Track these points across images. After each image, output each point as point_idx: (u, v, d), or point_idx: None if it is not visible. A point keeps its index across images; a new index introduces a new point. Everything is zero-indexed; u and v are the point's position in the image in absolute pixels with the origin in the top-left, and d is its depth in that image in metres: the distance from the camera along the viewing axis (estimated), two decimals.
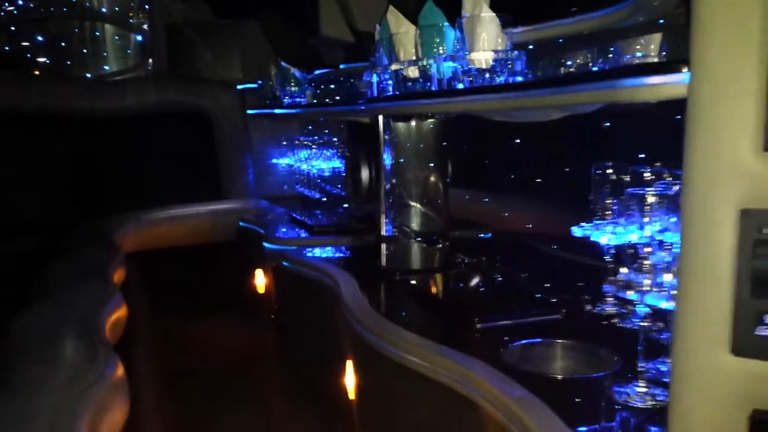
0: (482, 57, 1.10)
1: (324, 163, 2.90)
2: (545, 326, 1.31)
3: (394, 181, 2.17)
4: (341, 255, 2.16)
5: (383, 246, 2.12)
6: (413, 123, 1.94)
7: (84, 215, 2.72)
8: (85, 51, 3.39)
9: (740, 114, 0.65)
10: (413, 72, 1.29)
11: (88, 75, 3.43)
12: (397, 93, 1.40)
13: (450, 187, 2.05)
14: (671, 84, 0.70)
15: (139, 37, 3.48)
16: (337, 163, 2.52)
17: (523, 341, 1.19)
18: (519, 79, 1.15)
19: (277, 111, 2.45)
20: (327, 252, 2.19)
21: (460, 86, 1.17)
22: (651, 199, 0.85)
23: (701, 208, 0.68)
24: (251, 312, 2.36)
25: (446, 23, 1.24)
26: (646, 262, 0.83)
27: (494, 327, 1.31)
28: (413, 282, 1.72)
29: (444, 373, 1.14)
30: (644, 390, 0.90)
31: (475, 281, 1.71)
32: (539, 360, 1.16)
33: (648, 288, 0.80)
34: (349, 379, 1.50)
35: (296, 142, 3.12)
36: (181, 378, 2.03)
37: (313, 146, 2.91)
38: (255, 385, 2.04)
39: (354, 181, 2.23)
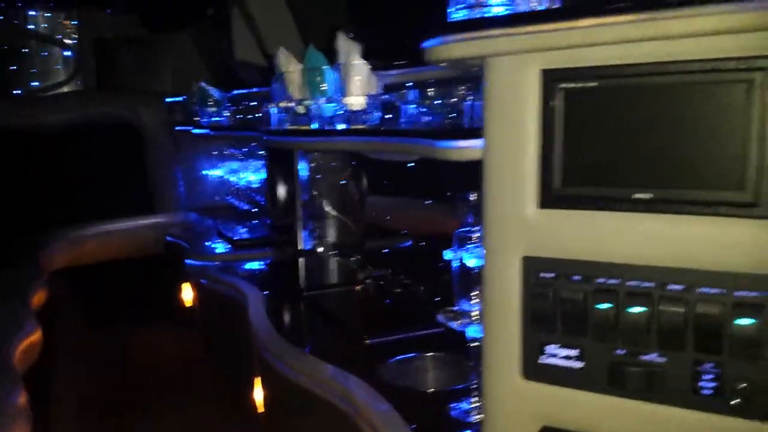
0: (354, 101, 1.21)
1: (252, 174, 2.98)
2: (429, 340, 1.42)
3: (310, 194, 2.25)
4: (259, 269, 2.24)
5: (300, 261, 2.21)
6: None
7: (9, 233, 2.75)
8: (13, 67, 3.40)
9: (521, 176, 0.76)
10: (302, 109, 1.38)
11: (17, 91, 3.44)
12: (287, 127, 1.49)
13: (371, 194, 2.12)
14: (472, 148, 0.81)
15: (68, 52, 3.50)
16: (265, 174, 2.59)
17: (399, 357, 1.30)
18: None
19: (194, 131, 2.52)
20: (250, 265, 2.27)
21: (340, 126, 1.28)
22: None
23: (495, 254, 0.79)
24: (179, 327, 2.43)
25: (327, 66, 1.34)
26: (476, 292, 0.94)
27: (382, 343, 1.42)
28: (319, 299, 1.81)
29: (328, 391, 1.24)
30: (476, 405, 1.02)
31: (376, 296, 1.81)
32: (414, 374, 1.27)
33: (476, 318, 0.92)
34: (259, 395, 1.60)
35: (225, 153, 3.19)
36: (105, 393, 2.09)
37: (241, 157, 2.98)
38: (180, 400, 2.11)
39: (272, 196, 2.31)
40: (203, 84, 2.40)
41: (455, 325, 0.90)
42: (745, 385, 0.66)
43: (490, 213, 0.79)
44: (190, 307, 2.32)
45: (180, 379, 2.22)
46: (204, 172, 3.40)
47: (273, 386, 1.44)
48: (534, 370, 0.78)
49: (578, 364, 0.75)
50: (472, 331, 0.91)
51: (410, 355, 1.31)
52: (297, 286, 1.88)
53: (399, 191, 2.36)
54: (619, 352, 0.72)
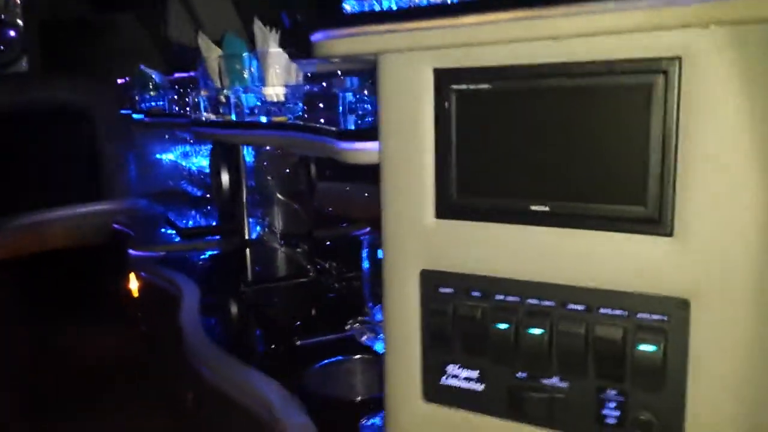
0: (273, 91, 1.14)
1: (204, 159, 2.89)
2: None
3: (257, 180, 2.17)
4: (205, 260, 2.16)
5: (245, 252, 2.14)
6: None
7: None
8: None
9: (419, 183, 0.70)
10: (223, 98, 1.31)
11: None
12: (206, 117, 1.41)
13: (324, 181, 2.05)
14: (370, 151, 0.75)
15: (12, 33, 3.35)
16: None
17: (328, 360, 1.24)
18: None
19: (134, 116, 2.42)
20: (197, 256, 2.20)
21: (263, 119, 1.20)
22: None
23: (394, 266, 0.73)
24: (119, 323, 2.36)
25: (248, 54, 1.26)
26: None
27: (313, 344, 1.36)
28: (257, 294, 1.75)
29: (247, 397, 1.18)
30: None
31: (318, 291, 1.75)
32: (342, 379, 1.22)
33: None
34: (186, 397, 1.54)
35: (178, 136, 3.09)
36: (34, 394, 2.02)
37: (192, 141, 2.88)
38: (111, 400, 2.05)
39: (216, 182, 2.23)
40: (143, 67, 2.30)
41: (363, 339, 0.85)
42: (647, 416, 0.61)
43: (389, 222, 0.73)
44: (131, 301, 2.24)
45: (114, 379, 2.15)
46: (157, 157, 3.30)
47: (196, 390, 1.38)
48: (435, 392, 0.73)
49: (479, 387, 0.70)
50: (379, 347, 0.85)
51: (338, 358, 1.25)
52: (237, 279, 1.81)
53: (350, 177, 2.29)
54: (519, 375, 0.67)
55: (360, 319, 0.86)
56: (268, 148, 2.16)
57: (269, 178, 2.18)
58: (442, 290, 0.70)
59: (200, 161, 2.96)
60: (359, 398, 1.11)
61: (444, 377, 0.72)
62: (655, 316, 0.59)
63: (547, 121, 0.62)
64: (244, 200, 2.18)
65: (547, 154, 0.62)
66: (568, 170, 0.62)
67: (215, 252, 2.23)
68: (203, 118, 1.40)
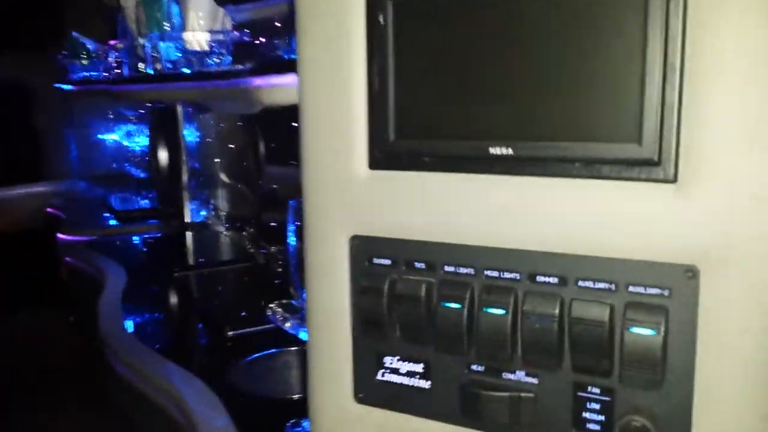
0: (194, 38, 0.97)
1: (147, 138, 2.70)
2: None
3: (199, 162, 2.01)
4: (142, 245, 1.99)
5: (185, 235, 1.97)
6: None
7: None
8: None
9: (346, 124, 0.54)
10: (140, 51, 1.13)
11: None
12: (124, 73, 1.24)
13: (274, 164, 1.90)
14: (287, 86, 0.59)
15: None
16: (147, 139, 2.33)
17: (257, 354, 1.08)
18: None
19: (63, 87, 2.22)
20: (133, 240, 2.02)
21: (186, 70, 1.03)
22: None
23: (316, 232, 0.58)
24: (51, 310, 2.16)
25: None
26: None
27: (247, 335, 1.20)
28: (191, 281, 1.58)
29: (163, 397, 1.01)
30: None
31: (260, 277, 1.59)
32: (276, 374, 1.06)
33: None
34: (105, 394, 1.36)
35: (122, 114, 2.89)
36: None
37: (134, 120, 2.69)
38: (42, 390, 1.86)
39: (155, 162, 2.06)
40: (75, 34, 2.10)
41: (287, 325, 0.69)
42: (641, 420, 0.46)
43: (310, 177, 0.57)
44: (60, 290, 2.05)
45: (45, 372, 1.96)
46: (100, 137, 3.09)
47: (113, 386, 1.21)
48: (369, 391, 0.57)
49: (424, 384, 0.55)
50: (304, 335, 0.70)
51: (272, 350, 1.09)
52: (171, 265, 1.63)
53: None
54: (475, 368, 0.52)
55: (283, 302, 0.70)
56: (211, 122, 2.00)
57: (214, 159, 2.02)
58: (377, 261, 0.55)
59: (144, 141, 2.77)
60: (295, 396, 0.95)
61: (380, 372, 0.56)
62: (653, 290, 0.45)
63: (512, 35, 0.46)
64: (184, 181, 2.01)
65: (512, 79, 0.47)
66: (538, 100, 0.47)
67: (154, 236, 2.05)
68: (124, 73, 1.22)
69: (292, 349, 1.08)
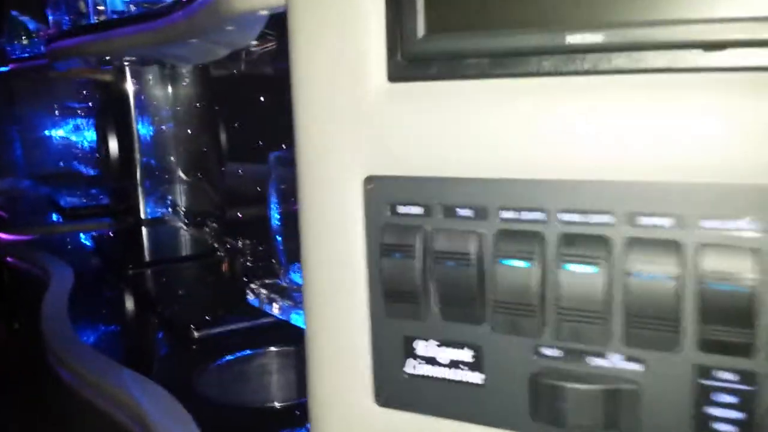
0: None
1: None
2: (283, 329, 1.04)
3: (152, 150, 1.83)
4: (90, 243, 1.80)
5: (141, 231, 1.79)
6: (167, 77, 1.63)
7: None
8: None
9: (354, 22, 0.39)
10: (82, 6, 0.96)
11: None
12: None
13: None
14: None
15: None
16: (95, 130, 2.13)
17: (228, 357, 0.92)
18: None
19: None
20: (83, 239, 1.84)
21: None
22: None
23: (317, 175, 0.42)
24: None
25: None
26: None
27: (216, 336, 1.04)
28: (148, 278, 1.40)
29: (118, 409, 0.84)
30: None
31: (226, 273, 1.42)
32: (252, 379, 0.90)
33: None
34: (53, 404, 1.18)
35: (67, 109, 2.68)
36: None
37: (81, 113, 2.49)
38: None
39: (105, 154, 1.87)
40: (15, 13, 1.90)
41: (272, 309, 0.53)
42: None
43: (305, 97, 0.42)
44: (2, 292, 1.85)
45: None
46: (47, 133, 2.87)
47: (58, 396, 1.03)
48: (395, 390, 0.42)
49: (474, 377, 0.39)
50: (299, 320, 0.54)
51: (246, 352, 0.93)
52: (126, 263, 1.46)
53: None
54: (549, 352, 0.37)
55: (266, 282, 0.54)
56: (169, 111, 1.83)
57: (171, 148, 1.85)
58: (404, 210, 0.39)
59: (93, 135, 2.57)
60: (274, 405, 0.80)
61: (410, 364, 0.41)
62: None
63: None
64: (137, 172, 1.84)
65: None
66: None
67: (107, 234, 1.87)
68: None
69: (271, 349, 0.92)
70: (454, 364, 0.40)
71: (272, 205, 0.57)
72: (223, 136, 1.84)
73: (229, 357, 0.92)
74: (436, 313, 0.39)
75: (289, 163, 0.49)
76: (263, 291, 0.56)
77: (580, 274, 0.34)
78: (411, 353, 0.41)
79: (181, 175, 1.88)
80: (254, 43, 1.08)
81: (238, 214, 1.80)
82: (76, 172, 2.72)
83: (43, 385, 1.10)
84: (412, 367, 0.41)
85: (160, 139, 1.86)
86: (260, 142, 1.74)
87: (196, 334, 1.01)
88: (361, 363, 0.42)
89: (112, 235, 1.87)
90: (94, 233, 1.87)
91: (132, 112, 1.80)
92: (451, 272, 0.37)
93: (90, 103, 2.51)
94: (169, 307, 1.20)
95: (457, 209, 0.38)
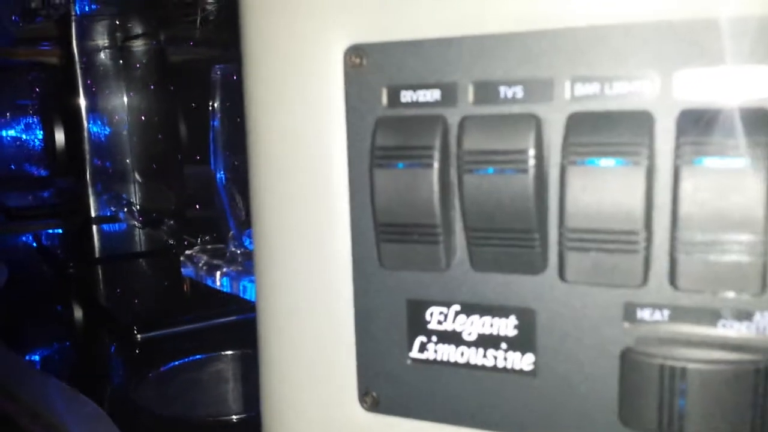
0: None
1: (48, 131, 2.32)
2: (244, 328, 0.88)
3: (104, 143, 1.68)
4: (31, 243, 1.63)
5: (93, 230, 1.64)
6: (120, 60, 1.49)
7: None
8: None
9: None
10: None
11: None
12: None
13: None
14: None
15: None
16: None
17: (176, 362, 0.76)
18: None
19: None
20: (23, 239, 1.67)
21: None
22: None
23: (276, 52, 0.27)
24: None
25: None
26: None
27: (164, 337, 0.87)
28: (93, 275, 1.24)
29: (33, 421, 0.68)
30: None
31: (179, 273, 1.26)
32: (201, 387, 0.74)
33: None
34: None
35: (17, 107, 2.50)
36: None
37: (32, 111, 2.32)
38: None
39: (51, 149, 1.71)
40: None
41: (214, 278, 0.38)
42: None
43: None
44: None
45: None
46: None
47: None
48: (393, 387, 0.27)
49: (521, 362, 0.24)
50: (252, 290, 0.39)
51: (197, 357, 0.77)
52: (58, 260, 1.29)
53: None
54: (652, 315, 0.22)
55: (208, 247, 0.39)
56: (121, 94, 1.69)
57: (126, 148, 1.70)
58: (412, 97, 0.25)
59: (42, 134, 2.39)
60: (234, 418, 0.64)
61: (419, 342, 0.26)
62: None
63: None
64: (87, 170, 1.68)
65: None
66: None
67: (55, 234, 1.70)
68: None
69: (228, 353, 0.77)
70: (487, 342, 0.25)
71: (216, 148, 0.42)
72: (182, 128, 1.69)
73: (175, 363, 0.75)
74: (462, 259, 0.25)
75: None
76: (203, 256, 0.41)
77: (724, 172, 0.20)
78: (419, 327, 0.26)
79: (136, 170, 1.73)
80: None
81: (201, 215, 1.64)
82: (27, 174, 2.53)
83: None
84: (421, 348, 0.26)
85: (113, 131, 1.71)
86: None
87: (139, 336, 0.85)
88: (340, 346, 0.27)
89: (60, 235, 1.70)
90: (41, 234, 1.71)
91: (80, 98, 1.65)
92: (494, 185, 0.23)
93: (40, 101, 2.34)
94: (113, 307, 1.04)
95: (501, 88, 0.23)
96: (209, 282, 0.41)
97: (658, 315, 0.22)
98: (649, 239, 0.21)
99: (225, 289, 0.40)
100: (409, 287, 0.26)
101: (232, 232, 0.43)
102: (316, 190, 0.26)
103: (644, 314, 0.22)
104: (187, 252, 0.43)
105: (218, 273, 0.40)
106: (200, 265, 0.41)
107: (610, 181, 0.21)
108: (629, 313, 0.22)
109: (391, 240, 0.25)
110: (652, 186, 0.21)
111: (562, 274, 0.23)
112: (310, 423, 0.28)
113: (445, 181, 0.24)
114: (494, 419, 0.25)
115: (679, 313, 0.22)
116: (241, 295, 0.41)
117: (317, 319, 0.27)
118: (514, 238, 0.23)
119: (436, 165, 0.23)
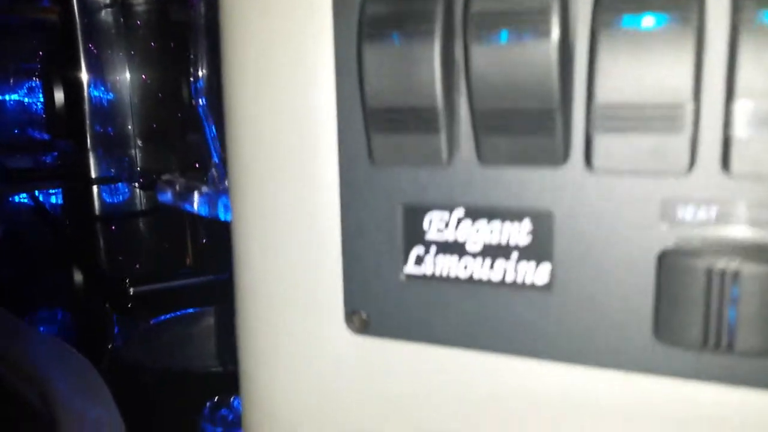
0: None
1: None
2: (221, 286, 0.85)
3: (103, 106, 1.64)
4: (30, 203, 1.60)
5: (93, 190, 1.60)
6: (120, 19, 1.44)
7: None
8: None
9: None
10: None
11: None
12: None
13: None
14: None
15: None
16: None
17: (164, 316, 0.72)
18: None
19: None
20: (23, 198, 1.64)
21: None
22: None
23: None
24: None
25: None
26: None
27: (158, 292, 0.84)
28: (88, 232, 1.20)
29: (10, 372, 0.65)
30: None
31: (184, 228, 1.22)
32: (190, 343, 0.71)
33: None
34: None
35: (20, 71, 2.46)
36: None
37: (36, 76, 2.28)
38: None
39: (50, 110, 1.68)
40: None
41: (192, 200, 0.34)
42: None
43: None
44: None
45: None
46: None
47: None
48: (384, 306, 0.23)
49: (535, 275, 0.21)
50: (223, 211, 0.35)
51: (187, 311, 0.74)
52: (53, 217, 1.26)
53: None
54: (694, 214, 0.18)
55: (187, 174, 0.36)
56: (123, 65, 1.64)
57: (127, 108, 1.66)
58: None
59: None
60: (221, 370, 0.61)
61: (415, 254, 0.22)
62: None
63: None
64: (88, 132, 1.65)
65: None
66: None
67: (55, 195, 1.67)
68: None
69: (217, 308, 0.73)
70: (495, 252, 0.21)
71: (197, 60, 0.38)
72: (185, 90, 1.65)
73: (165, 316, 0.72)
74: (467, 152, 0.21)
75: None
76: (181, 180, 0.38)
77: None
78: (416, 237, 0.22)
79: (137, 131, 1.70)
80: None
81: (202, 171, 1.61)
82: (29, 137, 2.50)
83: None
84: (418, 261, 0.22)
85: (114, 92, 1.68)
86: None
87: (131, 290, 0.82)
88: (324, 260, 0.24)
89: (61, 196, 1.68)
90: (41, 197, 1.68)
91: (80, 57, 1.61)
92: (509, 56, 0.19)
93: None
94: (108, 262, 1.00)
95: None
96: (187, 207, 0.37)
97: (704, 212, 0.18)
98: (697, 113, 0.17)
99: (202, 213, 0.37)
100: (405, 189, 0.22)
101: (214, 160, 0.39)
102: (295, 76, 0.22)
103: (687, 211, 0.18)
104: (165, 177, 0.39)
105: (195, 193, 0.36)
106: (177, 188, 0.38)
107: (652, 43, 0.17)
108: (668, 210, 0.18)
109: (384, 129, 0.21)
110: (702, 50, 0.17)
111: (588, 160, 0.19)
112: (290, 350, 0.25)
113: (449, 56, 0.20)
114: (501, 341, 0.21)
115: (730, 208, 0.18)
116: (221, 217, 0.37)
117: (298, 232, 0.24)
118: (531, 121, 0.19)
119: (437, 34, 0.19)
